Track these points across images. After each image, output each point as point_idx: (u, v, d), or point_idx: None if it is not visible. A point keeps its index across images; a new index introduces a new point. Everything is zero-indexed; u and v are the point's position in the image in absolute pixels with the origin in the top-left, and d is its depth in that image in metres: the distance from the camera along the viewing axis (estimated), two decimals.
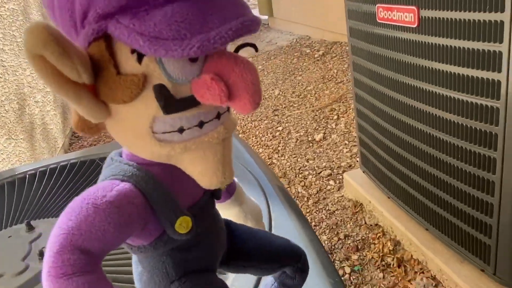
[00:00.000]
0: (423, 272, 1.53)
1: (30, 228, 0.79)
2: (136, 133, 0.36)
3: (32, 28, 0.28)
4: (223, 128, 0.38)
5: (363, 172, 1.96)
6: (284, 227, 0.72)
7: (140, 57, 0.32)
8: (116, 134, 0.38)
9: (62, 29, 0.34)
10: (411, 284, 1.51)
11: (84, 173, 1.04)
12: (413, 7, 1.16)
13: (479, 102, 1.04)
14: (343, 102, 3.20)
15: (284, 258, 0.54)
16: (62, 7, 0.32)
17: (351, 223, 1.94)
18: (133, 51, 0.32)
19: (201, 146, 0.37)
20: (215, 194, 0.46)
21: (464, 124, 1.11)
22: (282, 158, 2.72)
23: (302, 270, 0.57)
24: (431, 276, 1.49)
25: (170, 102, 0.34)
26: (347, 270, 1.69)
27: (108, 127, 0.38)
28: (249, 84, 0.34)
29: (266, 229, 0.70)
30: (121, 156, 0.41)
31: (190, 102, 0.35)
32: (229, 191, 0.54)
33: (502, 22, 0.91)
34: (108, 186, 0.35)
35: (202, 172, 0.39)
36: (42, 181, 1.01)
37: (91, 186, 0.37)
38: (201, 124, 0.37)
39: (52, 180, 1.00)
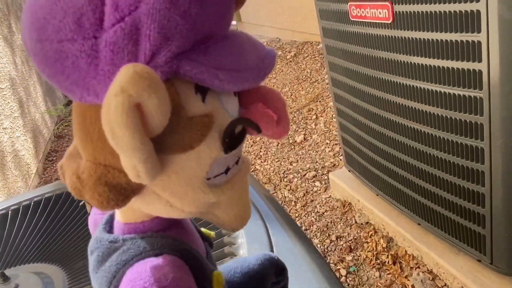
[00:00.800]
0: (419, 267, 1.51)
1: (5, 279, 0.72)
2: (191, 183, 0.33)
3: (140, 71, 0.24)
4: (247, 160, 0.40)
5: (349, 171, 1.94)
6: (287, 250, 0.68)
7: (204, 96, 0.31)
8: (163, 191, 0.34)
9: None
10: (408, 280, 1.49)
11: (61, 208, 0.95)
12: (387, 3, 1.15)
13: (461, 93, 1.03)
14: (320, 101, 3.19)
15: (268, 274, 0.56)
16: (117, 50, 0.27)
17: (341, 224, 1.92)
18: (197, 90, 0.30)
19: (239, 183, 0.37)
20: (211, 244, 0.45)
21: (449, 116, 1.10)
22: (265, 163, 2.68)
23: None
24: (428, 270, 1.48)
25: (233, 139, 0.34)
26: (343, 272, 1.66)
27: (154, 185, 0.33)
28: (285, 109, 0.37)
29: (267, 250, 0.68)
30: (111, 230, 0.38)
31: (242, 137, 0.35)
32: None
33: (478, 12, 0.90)
34: (154, 265, 0.32)
35: (238, 213, 0.39)
36: (15, 221, 0.93)
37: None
38: (237, 160, 0.37)
39: (26, 219, 0.92)
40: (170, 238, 0.36)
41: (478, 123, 1.01)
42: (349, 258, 1.71)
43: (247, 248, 0.75)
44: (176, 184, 0.33)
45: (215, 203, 0.36)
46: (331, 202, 2.09)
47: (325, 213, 2.03)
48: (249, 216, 0.39)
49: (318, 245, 1.84)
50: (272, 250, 0.69)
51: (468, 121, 1.04)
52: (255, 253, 0.56)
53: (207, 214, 0.37)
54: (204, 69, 0.28)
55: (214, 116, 0.31)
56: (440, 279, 1.43)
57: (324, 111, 3.02)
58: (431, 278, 1.45)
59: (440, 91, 1.09)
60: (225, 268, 0.54)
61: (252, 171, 2.63)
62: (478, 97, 0.99)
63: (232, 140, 0.33)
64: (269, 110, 0.35)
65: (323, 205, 2.09)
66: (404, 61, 1.18)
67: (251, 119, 0.35)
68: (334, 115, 1.79)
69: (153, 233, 0.36)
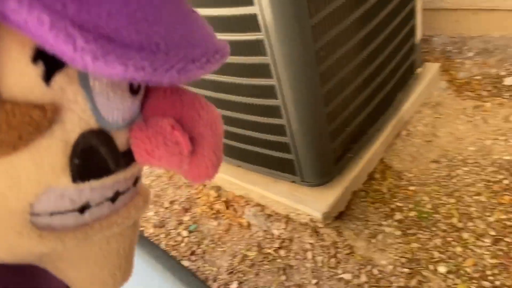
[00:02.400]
0: (248, 204, 1.65)
1: None
2: None
3: None
4: (142, 200, 0.24)
5: None
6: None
7: (49, 73, 0.17)
8: None
9: None
10: (243, 219, 1.62)
11: None
12: None
13: (243, 38, 1.09)
14: None
15: None
16: None
17: (170, 189, 1.91)
18: (35, 56, 0.17)
19: (107, 230, 0.22)
20: None
21: (240, 62, 1.16)
22: None
23: None
24: (256, 204, 1.63)
25: (92, 163, 0.20)
26: (184, 233, 1.68)
27: None
28: (218, 140, 0.23)
29: None
30: None
31: (123, 162, 0.21)
32: None
33: None
34: None
35: (94, 276, 0.23)
36: None
37: None
38: (115, 197, 0.22)
39: None
40: None
41: (265, 63, 1.10)
42: (186, 218, 1.74)
43: None
44: None
45: (52, 254, 0.22)
46: (154, 171, 2.04)
47: (152, 183, 1.98)
48: (120, 281, 0.25)
49: (154, 216, 1.80)
50: None
51: (256, 63, 1.12)
52: None
53: (45, 264, 0.23)
54: (47, 16, 0.15)
55: (62, 113, 0.18)
56: (267, 208, 1.59)
57: None
58: (260, 210, 1.60)
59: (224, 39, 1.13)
60: None
61: None
62: (258, 39, 1.06)
63: (94, 164, 0.20)
64: (180, 134, 0.21)
65: (148, 176, 2.03)
66: None
67: (133, 142, 0.21)
68: None
69: None
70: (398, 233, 1.33)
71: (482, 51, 1.91)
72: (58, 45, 0.15)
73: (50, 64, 0.17)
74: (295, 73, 1.09)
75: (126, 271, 0.25)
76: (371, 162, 1.52)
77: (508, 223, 1.24)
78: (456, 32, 2.06)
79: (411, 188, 1.45)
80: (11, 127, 0.17)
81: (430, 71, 1.78)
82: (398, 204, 1.42)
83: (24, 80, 0.17)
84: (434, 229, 1.30)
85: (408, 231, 1.33)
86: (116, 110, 0.20)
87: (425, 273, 1.21)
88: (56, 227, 0.21)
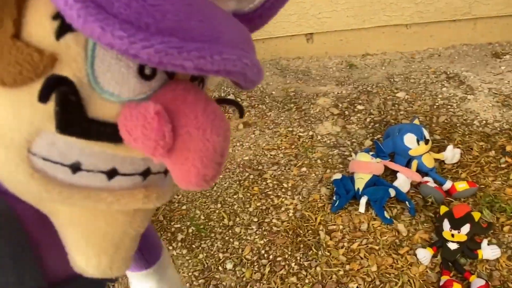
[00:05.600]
0: None
1: None
2: (3, 139, 0.21)
3: None
4: (143, 195, 0.23)
5: None
6: None
7: (62, 31, 0.20)
8: None
9: None
10: None
11: None
12: None
13: None
14: None
15: None
16: None
17: None
18: (56, 15, 0.20)
19: (98, 205, 0.23)
20: None
21: None
22: None
23: None
24: None
25: (74, 118, 0.21)
26: None
27: None
28: (209, 148, 0.21)
29: None
30: None
31: (106, 132, 0.22)
32: (148, 259, 0.40)
33: None
34: None
35: (79, 244, 0.23)
36: None
37: None
38: (111, 174, 0.22)
39: None
40: (3, 206, 0.24)
41: None
42: None
43: None
44: None
45: (47, 201, 0.22)
46: None
47: None
48: (104, 268, 0.24)
49: None
50: None
51: None
52: None
53: (50, 216, 0.24)
54: None
55: (60, 64, 0.20)
56: None
57: None
58: None
59: None
60: None
61: None
62: None
63: (76, 119, 0.20)
64: (161, 123, 0.20)
65: None
66: None
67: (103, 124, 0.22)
68: None
69: None
70: (185, 251, 1.41)
71: None
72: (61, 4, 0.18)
73: (65, 26, 0.19)
74: None
75: (114, 261, 0.24)
76: None
77: (263, 207, 1.51)
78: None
79: (183, 207, 1.56)
80: (17, 62, 0.20)
81: None
82: (177, 225, 1.50)
83: (40, 29, 0.20)
84: (212, 235, 1.44)
85: (193, 246, 1.42)
86: (114, 82, 0.21)
87: (217, 275, 1.32)
88: (48, 175, 0.22)
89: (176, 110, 0.22)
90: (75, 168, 0.22)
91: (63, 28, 0.20)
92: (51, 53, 0.20)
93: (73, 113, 0.21)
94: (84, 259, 0.24)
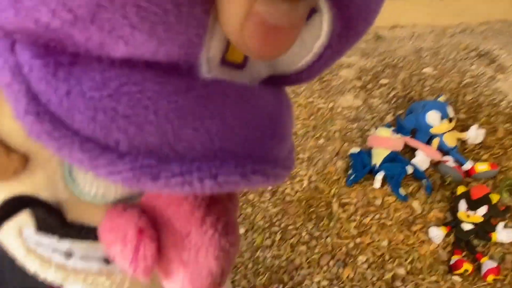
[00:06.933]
0: None
1: None
2: None
3: None
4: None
5: None
6: None
7: None
8: None
9: None
10: None
11: None
12: None
13: None
14: None
15: None
16: None
17: None
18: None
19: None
20: None
21: None
22: None
23: None
24: None
25: (52, 222, 0.19)
26: None
27: None
28: (202, 273, 0.18)
29: None
30: None
31: (91, 235, 0.20)
32: None
33: None
34: None
35: None
36: None
37: None
38: (107, 260, 0.21)
39: None
40: None
41: None
42: None
43: None
44: None
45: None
46: None
47: None
48: None
49: None
50: None
51: None
52: None
53: None
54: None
55: (32, 168, 0.18)
56: None
57: None
58: None
59: None
60: None
61: None
62: None
63: (52, 225, 0.19)
64: (135, 243, 0.17)
65: None
66: None
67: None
68: None
69: None
70: None
71: None
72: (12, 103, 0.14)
73: None
74: None
75: None
76: None
77: None
78: None
79: None
80: None
81: None
82: None
83: (11, 126, 0.17)
84: None
85: None
86: (95, 182, 0.18)
87: None
88: (43, 257, 0.21)
89: (166, 221, 0.19)
90: (68, 254, 0.21)
91: None
92: (21, 155, 0.18)
93: (50, 218, 0.19)
94: None
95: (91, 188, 0.19)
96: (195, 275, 0.18)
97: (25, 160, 0.18)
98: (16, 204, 0.18)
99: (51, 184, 0.19)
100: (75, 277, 0.22)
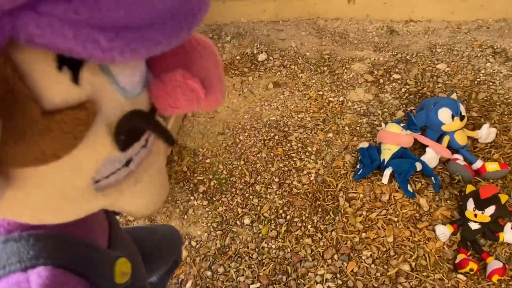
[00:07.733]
0: None
1: None
2: (67, 195, 0.23)
3: None
4: (162, 135, 0.28)
5: None
6: None
7: (76, 74, 0.19)
8: (23, 209, 0.23)
9: None
10: None
11: None
12: None
13: None
14: None
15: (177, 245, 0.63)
16: None
17: None
18: (61, 64, 0.18)
19: (148, 168, 0.27)
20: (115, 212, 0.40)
21: None
22: None
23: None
24: None
25: (134, 133, 0.24)
26: None
27: (7, 201, 0.22)
28: (219, 71, 0.25)
29: None
30: None
31: (150, 119, 0.25)
32: None
33: None
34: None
35: (147, 201, 0.29)
36: None
37: None
38: (146, 140, 0.27)
39: None
40: (53, 238, 0.27)
41: None
42: None
43: None
44: (41, 200, 0.23)
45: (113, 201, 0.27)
46: None
47: None
48: (163, 199, 0.29)
49: None
50: None
51: None
52: (160, 224, 0.38)
53: (113, 207, 0.29)
54: (68, 30, 0.16)
55: (98, 103, 0.21)
56: None
57: None
58: None
59: None
60: (136, 238, 0.48)
61: None
62: None
63: (131, 134, 0.24)
64: (193, 82, 0.24)
65: None
66: None
67: (159, 122, 0.25)
68: None
69: (22, 233, 0.26)
70: (205, 203, 1.45)
71: (236, 35, 2.21)
72: (85, 51, 0.17)
73: (72, 65, 0.19)
74: None
75: (159, 197, 0.30)
76: None
77: (285, 168, 1.52)
78: (212, 20, 2.30)
79: (207, 161, 1.59)
80: (65, 132, 0.19)
81: None
82: (199, 178, 1.53)
83: (59, 88, 0.19)
84: (233, 190, 1.47)
85: (214, 198, 1.46)
86: (137, 81, 0.23)
87: (234, 229, 1.36)
88: (112, 184, 0.26)
89: (185, 61, 0.26)
90: (128, 161, 0.26)
91: (74, 71, 0.20)
92: (87, 100, 0.21)
93: (133, 129, 0.25)
94: (151, 207, 0.30)
95: (134, 87, 0.23)
96: (218, 72, 0.27)
97: (93, 103, 0.21)
98: (131, 118, 0.23)
99: (116, 102, 0.23)
100: (139, 175, 0.27)
